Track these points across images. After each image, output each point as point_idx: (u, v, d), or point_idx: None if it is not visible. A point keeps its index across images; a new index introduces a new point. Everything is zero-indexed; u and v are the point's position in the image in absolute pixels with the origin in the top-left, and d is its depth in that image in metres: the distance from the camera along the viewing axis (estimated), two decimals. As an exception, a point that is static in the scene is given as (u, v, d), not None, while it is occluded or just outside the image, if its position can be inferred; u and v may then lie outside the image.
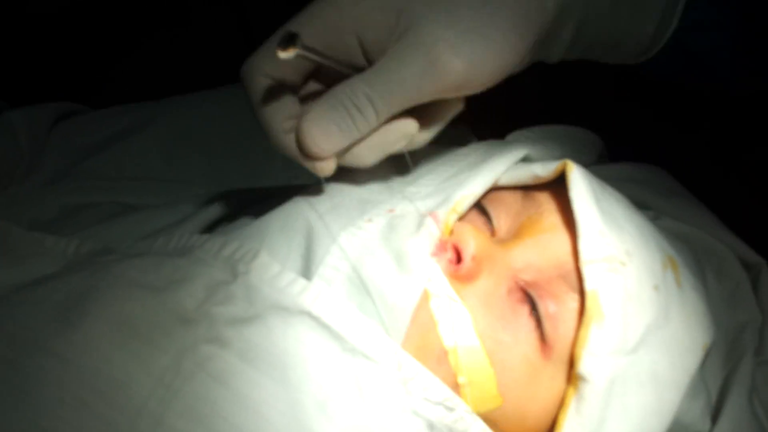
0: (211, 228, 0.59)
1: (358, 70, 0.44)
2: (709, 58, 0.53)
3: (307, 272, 0.46)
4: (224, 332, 0.42)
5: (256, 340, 0.42)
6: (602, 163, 0.72)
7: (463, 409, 0.43)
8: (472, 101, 0.49)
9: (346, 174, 0.54)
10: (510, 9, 0.43)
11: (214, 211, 0.61)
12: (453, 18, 0.42)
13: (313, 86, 0.48)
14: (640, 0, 0.48)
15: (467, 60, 0.42)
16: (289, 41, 0.40)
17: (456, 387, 0.44)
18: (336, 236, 0.47)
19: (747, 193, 0.71)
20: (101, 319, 0.42)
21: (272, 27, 0.45)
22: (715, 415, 0.52)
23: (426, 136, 0.49)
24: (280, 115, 0.45)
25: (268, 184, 0.74)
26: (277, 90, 0.45)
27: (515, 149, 0.54)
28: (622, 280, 0.45)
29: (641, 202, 0.63)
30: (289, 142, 0.45)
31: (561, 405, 0.46)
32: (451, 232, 0.48)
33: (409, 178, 0.54)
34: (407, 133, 0.47)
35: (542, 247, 0.48)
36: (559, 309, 0.46)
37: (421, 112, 0.47)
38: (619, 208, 0.49)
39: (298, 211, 0.50)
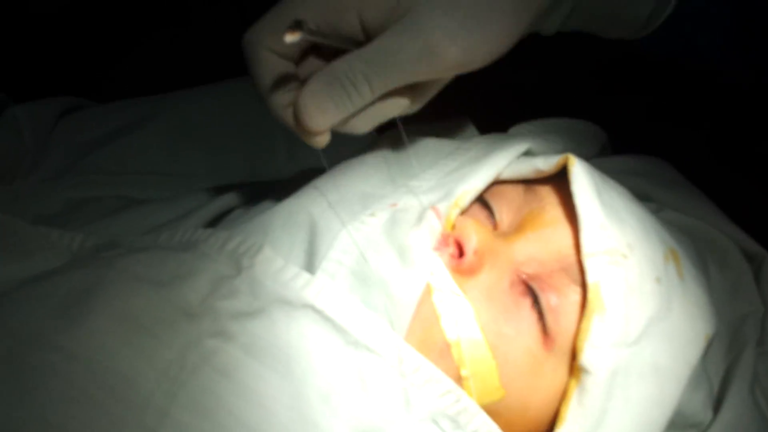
0: (214, 222, 0.60)
1: (357, 43, 0.44)
2: (701, 38, 0.53)
3: (310, 266, 0.47)
4: (228, 326, 0.43)
5: (260, 334, 0.43)
6: (605, 155, 0.72)
7: (466, 401, 0.43)
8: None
9: (349, 167, 0.54)
10: None
11: (218, 205, 0.61)
12: (452, 3, 0.42)
13: (312, 61, 0.48)
14: None
15: (463, 47, 0.42)
16: (296, 26, 0.40)
17: (459, 379, 0.44)
18: (339, 231, 0.47)
19: (749, 184, 0.70)
20: (106, 314, 0.42)
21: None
22: (716, 406, 0.52)
23: (416, 106, 0.49)
24: (281, 88, 0.45)
25: (270, 177, 0.75)
26: (277, 63, 0.45)
27: (517, 143, 0.54)
28: (624, 273, 0.45)
29: (643, 194, 0.64)
30: (287, 115, 0.45)
31: (563, 397, 0.46)
32: (454, 227, 0.48)
33: (411, 172, 0.54)
34: (400, 106, 0.47)
35: (544, 241, 0.48)
36: (561, 301, 0.46)
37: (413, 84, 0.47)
38: (620, 201, 0.49)
39: (302, 205, 0.50)
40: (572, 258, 0.47)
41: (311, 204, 0.50)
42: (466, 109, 0.64)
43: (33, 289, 0.45)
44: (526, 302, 0.47)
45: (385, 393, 0.43)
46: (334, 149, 0.48)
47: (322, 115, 0.43)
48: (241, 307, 0.44)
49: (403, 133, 0.52)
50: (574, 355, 0.46)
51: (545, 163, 0.51)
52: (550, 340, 0.46)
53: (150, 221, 0.60)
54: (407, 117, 0.50)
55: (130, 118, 0.77)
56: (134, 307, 0.43)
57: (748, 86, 0.61)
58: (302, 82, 0.45)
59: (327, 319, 0.44)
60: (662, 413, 0.46)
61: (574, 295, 0.46)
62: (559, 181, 0.50)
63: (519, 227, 0.50)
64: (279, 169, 0.76)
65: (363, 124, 0.47)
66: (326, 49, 0.47)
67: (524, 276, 0.48)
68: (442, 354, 0.45)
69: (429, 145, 0.57)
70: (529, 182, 0.53)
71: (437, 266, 0.46)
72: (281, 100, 0.45)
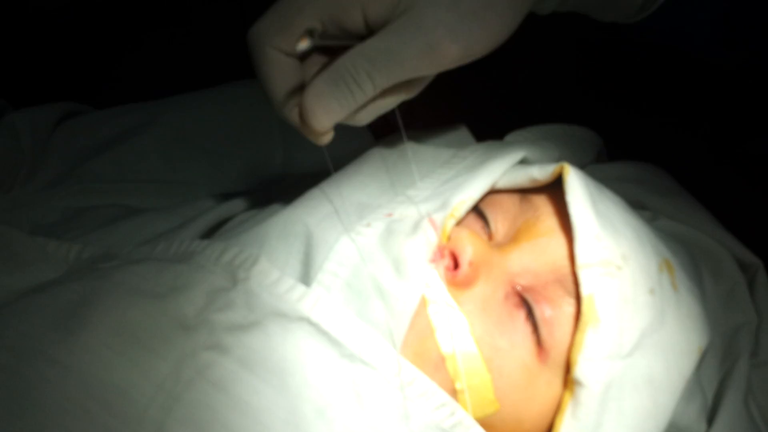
0: (212, 231, 0.60)
1: (360, 37, 0.44)
2: (692, 25, 0.53)
3: (306, 278, 0.47)
4: (224, 339, 0.43)
5: (255, 347, 0.43)
6: (601, 160, 0.72)
7: (460, 414, 0.44)
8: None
9: (345, 176, 0.54)
10: None
11: (215, 214, 0.61)
12: (454, 0, 0.42)
13: (316, 57, 0.48)
14: None
15: (464, 45, 0.43)
16: (307, 34, 0.42)
17: (453, 393, 0.45)
18: (335, 242, 0.48)
19: (745, 191, 0.71)
20: (102, 326, 0.42)
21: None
22: (710, 417, 0.52)
23: (413, 94, 0.49)
24: (285, 86, 0.45)
25: (267, 182, 0.75)
26: (283, 61, 0.45)
27: (513, 152, 0.54)
28: (618, 285, 0.45)
29: (639, 202, 0.64)
30: (293, 115, 0.45)
31: (557, 409, 0.46)
32: (449, 238, 0.48)
33: (407, 181, 0.54)
34: (400, 98, 0.47)
35: (539, 252, 0.48)
36: (555, 313, 0.46)
37: None
38: (615, 211, 0.49)
39: (297, 216, 0.50)
40: (567, 269, 0.47)
41: (307, 215, 0.50)
42: (463, 116, 0.65)
43: (30, 302, 0.45)
44: (521, 314, 0.47)
45: (381, 406, 0.43)
46: (332, 145, 0.48)
47: (327, 116, 0.43)
48: (237, 320, 0.44)
49: (406, 139, 0.52)
50: (568, 368, 0.46)
51: (541, 173, 0.51)
52: (545, 352, 0.46)
53: (147, 231, 0.60)
54: (405, 122, 0.50)
55: (128, 124, 0.77)
56: (130, 320, 0.43)
57: (733, 70, 0.62)
58: (307, 79, 0.46)
59: (322, 332, 0.44)
60: (656, 425, 0.46)
61: (569, 307, 0.46)
62: (555, 190, 0.50)
63: (514, 237, 0.50)
64: (276, 174, 0.76)
65: (364, 117, 0.47)
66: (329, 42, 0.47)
67: (519, 287, 0.48)
68: (437, 367, 0.45)
69: (425, 153, 0.57)
70: (524, 191, 0.53)
71: (433, 279, 0.46)
72: (288, 100, 0.45)
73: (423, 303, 0.45)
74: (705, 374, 0.54)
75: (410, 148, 0.57)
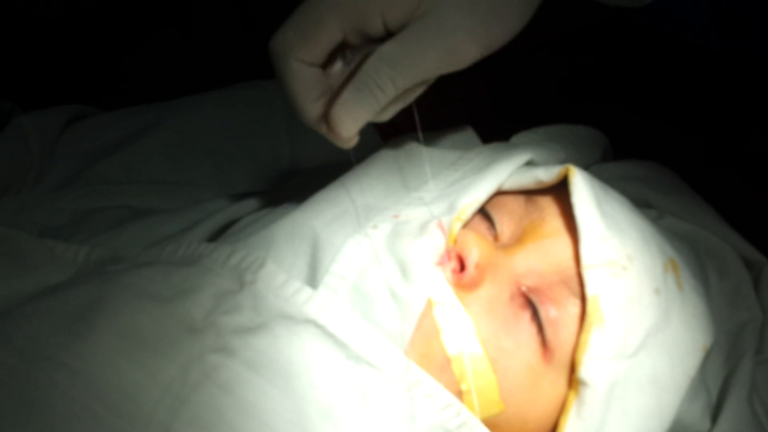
0: (219, 233, 0.60)
1: (380, 41, 0.45)
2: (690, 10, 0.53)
3: (312, 281, 0.47)
4: (231, 341, 0.43)
5: (262, 349, 0.43)
6: (607, 160, 0.72)
7: (466, 415, 0.44)
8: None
9: (352, 179, 0.54)
10: None
11: (222, 216, 0.61)
12: (472, 1, 0.42)
13: (338, 65, 0.48)
14: None
15: (483, 46, 0.43)
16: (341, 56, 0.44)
17: (459, 393, 0.45)
18: (341, 245, 0.48)
19: (745, 191, 0.71)
20: (109, 329, 0.43)
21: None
22: (715, 415, 0.53)
23: (425, 86, 0.49)
24: (311, 96, 0.46)
25: (274, 183, 0.75)
26: (306, 72, 0.45)
27: (519, 153, 0.54)
28: (623, 285, 0.45)
29: (644, 201, 0.64)
30: (321, 125, 0.46)
31: (562, 409, 0.47)
32: (455, 240, 0.48)
33: (413, 183, 0.54)
34: (417, 93, 0.48)
35: (544, 252, 0.48)
36: (560, 314, 0.46)
37: None
38: (621, 212, 0.49)
39: (304, 219, 0.50)
40: (572, 270, 0.47)
41: (314, 217, 0.50)
42: (469, 118, 0.65)
43: (38, 305, 0.46)
44: (526, 315, 0.47)
45: (386, 408, 0.43)
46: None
47: (353, 122, 0.44)
48: (244, 323, 0.44)
49: (421, 138, 0.53)
50: (573, 368, 0.46)
51: (546, 174, 0.51)
52: (549, 352, 0.46)
53: (154, 233, 0.60)
54: (410, 124, 0.51)
55: (134, 127, 0.77)
56: (138, 323, 0.43)
57: (731, 56, 0.62)
58: (331, 87, 0.46)
59: (328, 334, 0.44)
60: (660, 424, 0.46)
61: (574, 307, 0.46)
62: (560, 191, 0.51)
63: (520, 239, 0.50)
64: (283, 174, 0.77)
65: (385, 115, 0.48)
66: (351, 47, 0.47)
67: (524, 288, 0.48)
68: (442, 368, 0.45)
69: (432, 154, 0.58)
70: (530, 192, 0.53)
71: (438, 281, 0.46)
72: (315, 111, 0.46)
73: (429, 305, 0.46)
74: (709, 372, 0.54)
75: (422, 150, 0.57)
